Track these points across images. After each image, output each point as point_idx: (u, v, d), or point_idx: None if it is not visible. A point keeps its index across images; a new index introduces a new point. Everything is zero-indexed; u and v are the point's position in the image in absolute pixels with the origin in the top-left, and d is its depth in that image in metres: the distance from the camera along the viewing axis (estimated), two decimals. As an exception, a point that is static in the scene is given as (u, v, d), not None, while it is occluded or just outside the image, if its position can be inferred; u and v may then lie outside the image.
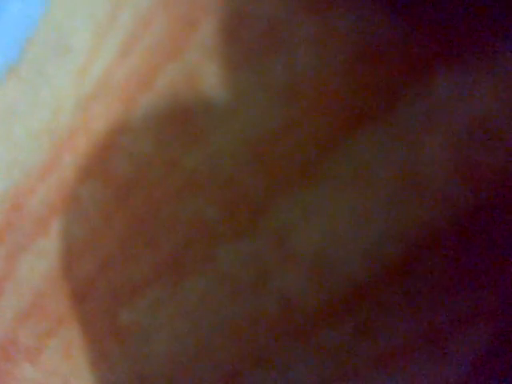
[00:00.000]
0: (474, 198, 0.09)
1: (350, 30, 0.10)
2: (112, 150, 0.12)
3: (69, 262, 0.13)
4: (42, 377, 0.14)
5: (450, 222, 0.09)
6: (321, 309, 0.10)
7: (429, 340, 0.10)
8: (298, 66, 0.10)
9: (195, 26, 0.11)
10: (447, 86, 0.09)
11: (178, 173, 0.11)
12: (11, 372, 0.14)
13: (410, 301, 0.10)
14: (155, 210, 0.12)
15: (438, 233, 0.09)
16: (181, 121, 0.11)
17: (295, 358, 0.11)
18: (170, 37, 0.11)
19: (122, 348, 0.12)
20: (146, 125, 0.12)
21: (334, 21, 0.10)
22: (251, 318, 0.11)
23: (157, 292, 0.12)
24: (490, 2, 0.09)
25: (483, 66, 0.09)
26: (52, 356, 0.14)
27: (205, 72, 0.11)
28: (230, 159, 0.10)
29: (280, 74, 0.10)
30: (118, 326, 0.12)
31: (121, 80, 0.12)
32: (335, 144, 0.10)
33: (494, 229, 0.09)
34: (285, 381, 0.11)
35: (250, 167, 0.10)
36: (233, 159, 0.10)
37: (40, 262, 0.14)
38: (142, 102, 0.12)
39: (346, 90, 0.10)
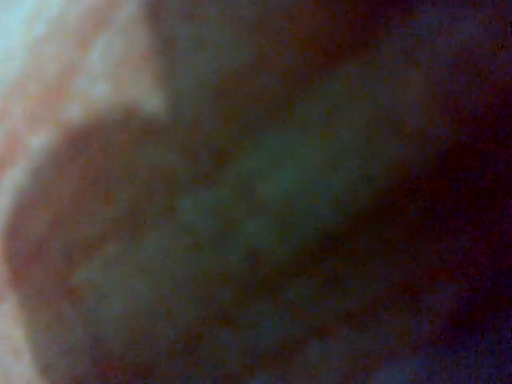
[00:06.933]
0: (455, 137, 0.08)
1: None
2: (66, 96, 0.11)
3: (19, 219, 0.12)
4: (-8, 343, 0.13)
5: (428, 164, 0.09)
6: (289, 261, 0.10)
7: (402, 292, 0.09)
8: (268, -2, 0.09)
9: (156, -44, 0.10)
10: (428, 20, 0.09)
11: (137, 118, 0.10)
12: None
13: (382, 251, 0.09)
14: (112, 159, 0.11)
15: (415, 176, 0.09)
16: (140, 61, 0.10)
17: (262, 316, 0.10)
18: (128, -32, 0.10)
19: (77, 309, 0.12)
20: (102, 67, 0.11)
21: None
22: (215, 273, 0.10)
23: (112, 249, 0.11)
24: None
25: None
26: (2, 321, 0.13)
27: (165, 5, 0.10)
28: (192, 101, 0.10)
29: (248, 6, 0.09)
30: (72, 286, 0.12)
31: (75, 19, 0.11)
32: (307, 83, 0.09)
33: (475, 171, 0.09)
34: (250, 340, 0.10)
35: (214, 110, 0.10)
36: (194, 101, 0.10)
37: (-12, 221, 0.13)
38: (98, 41, 0.11)
39: (320, 24, 0.09)
